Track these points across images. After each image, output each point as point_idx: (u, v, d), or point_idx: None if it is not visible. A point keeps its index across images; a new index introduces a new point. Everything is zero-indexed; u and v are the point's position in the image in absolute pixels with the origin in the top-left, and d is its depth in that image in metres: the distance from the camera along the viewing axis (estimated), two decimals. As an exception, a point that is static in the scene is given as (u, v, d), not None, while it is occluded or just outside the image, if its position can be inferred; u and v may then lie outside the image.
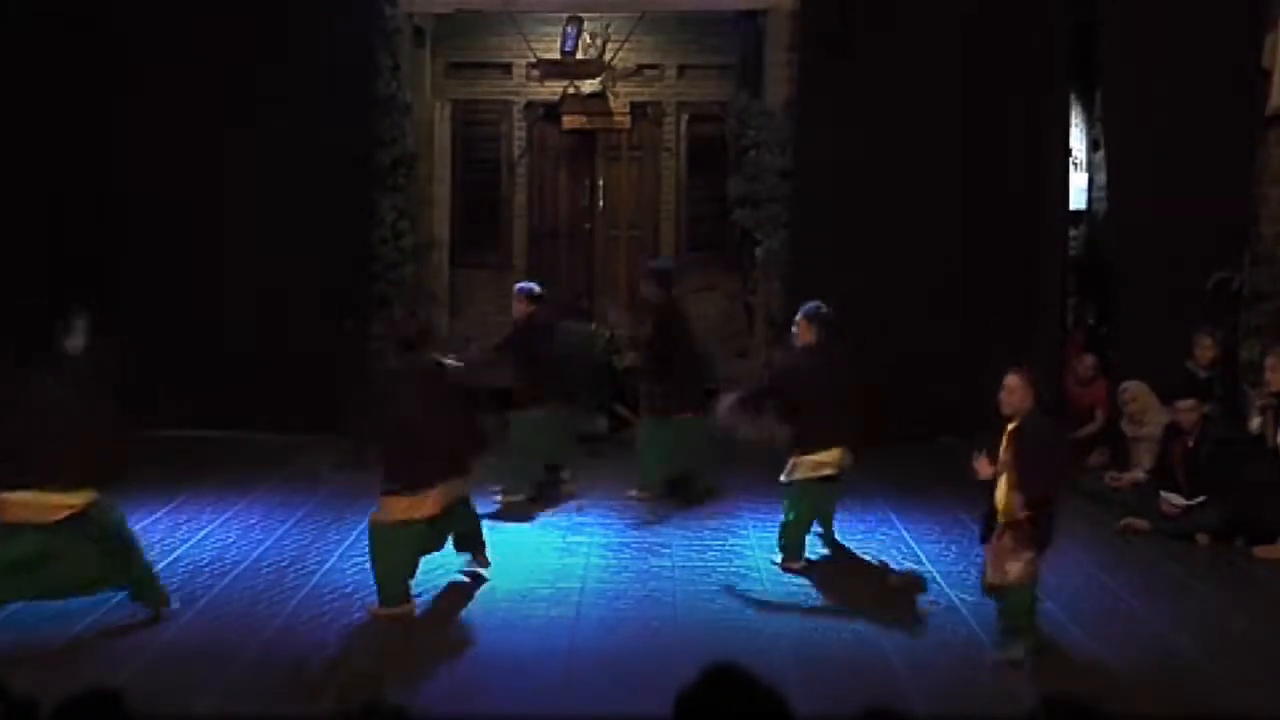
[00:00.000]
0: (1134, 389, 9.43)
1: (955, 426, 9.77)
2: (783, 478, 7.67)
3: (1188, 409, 8.51)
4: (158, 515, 8.59)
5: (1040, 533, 6.05)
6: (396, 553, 6.74)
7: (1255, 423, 8.45)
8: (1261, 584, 7.56)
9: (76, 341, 6.51)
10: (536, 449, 9.21)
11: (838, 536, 8.08)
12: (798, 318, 7.85)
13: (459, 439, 6.98)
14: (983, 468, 6.17)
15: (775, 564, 7.55)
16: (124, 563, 6.54)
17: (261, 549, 7.87)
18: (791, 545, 7.61)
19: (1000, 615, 6.16)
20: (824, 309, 7.76)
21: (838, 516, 8.05)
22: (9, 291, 10.64)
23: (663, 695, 3.04)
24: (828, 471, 7.63)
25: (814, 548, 7.79)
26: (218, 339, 11.20)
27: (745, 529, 8.44)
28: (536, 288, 9.50)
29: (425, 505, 6.78)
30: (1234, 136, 10.20)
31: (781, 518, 7.70)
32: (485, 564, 7.35)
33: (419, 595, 6.96)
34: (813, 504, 7.70)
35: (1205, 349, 9.30)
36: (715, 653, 6.23)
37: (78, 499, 6.29)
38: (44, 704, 3.16)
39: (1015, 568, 6.01)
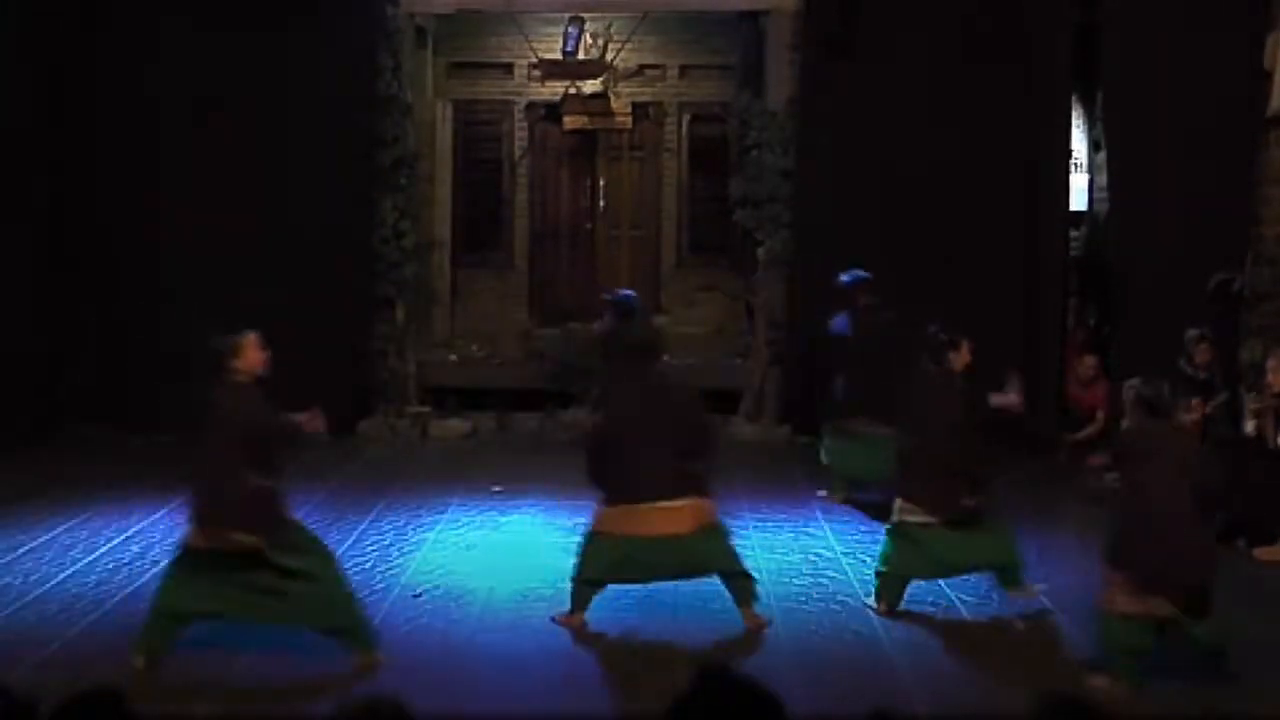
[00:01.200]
0: None
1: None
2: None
3: (1188, 407, 8.50)
4: (158, 515, 8.59)
5: None
6: (587, 559, 6.56)
7: (1250, 425, 8.44)
8: (1262, 585, 7.55)
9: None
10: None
11: (834, 540, 8.11)
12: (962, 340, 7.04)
13: (680, 455, 6.53)
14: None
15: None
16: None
17: (262, 549, 7.86)
18: (880, 589, 7.00)
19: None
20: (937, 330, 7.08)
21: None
22: (9, 294, 10.65)
23: (663, 695, 3.04)
24: (911, 517, 6.86)
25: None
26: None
27: (746, 530, 8.42)
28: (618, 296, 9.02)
29: (630, 521, 6.47)
30: (1235, 137, 10.20)
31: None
32: (755, 625, 6.56)
33: (419, 595, 6.96)
34: (895, 555, 6.92)
35: (1202, 351, 9.31)
36: (715, 653, 6.24)
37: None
38: (44, 704, 3.16)
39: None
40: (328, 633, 5.98)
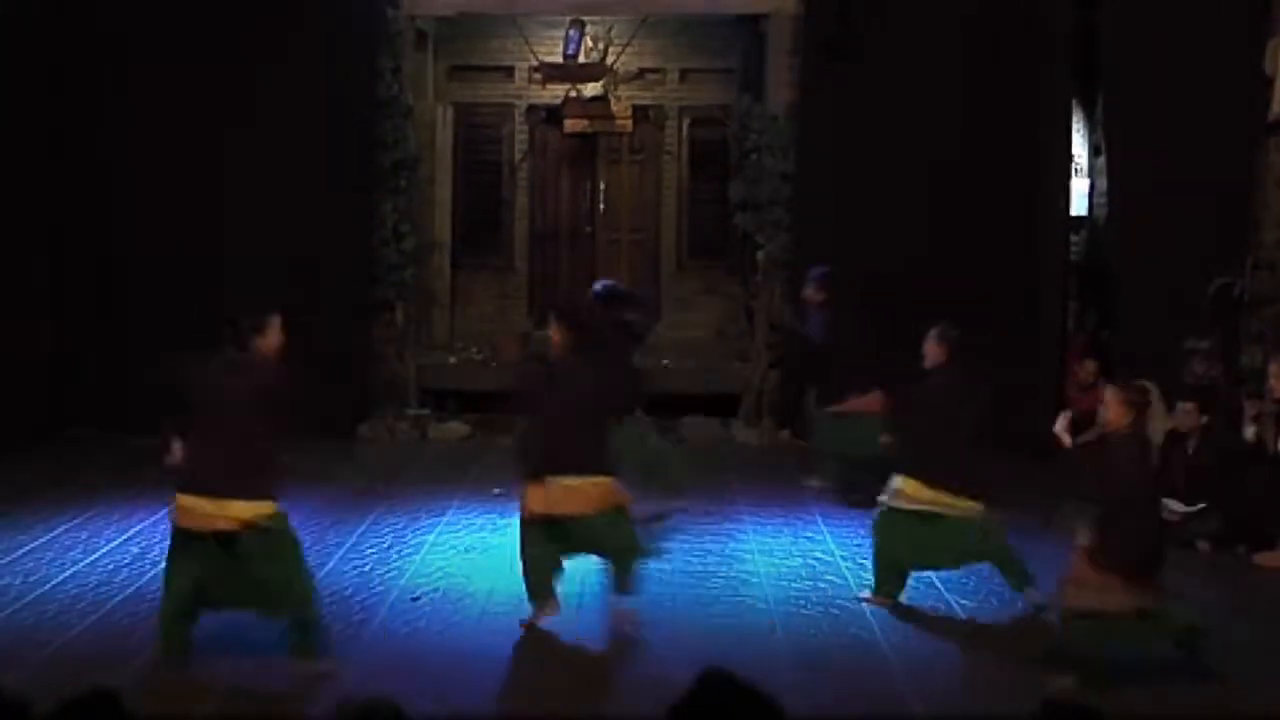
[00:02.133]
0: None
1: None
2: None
3: (1186, 412, 8.51)
4: (158, 516, 8.59)
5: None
6: (532, 549, 6.52)
7: (1250, 431, 8.44)
8: (1262, 591, 7.55)
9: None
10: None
11: (833, 543, 8.13)
12: (931, 335, 7.18)
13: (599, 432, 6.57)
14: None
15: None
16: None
17: (261, 550, 7.85)
18: (875, 579, 7.09)
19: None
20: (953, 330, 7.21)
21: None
22: (10, 295, 10.65)
23: (661, 698, 3.04)
24: (900, 503, 6.92)
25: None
26: (218, 341, 11.17)
27: (745, 533, 8.43)
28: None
29: (558, 499, 6.41)
30: (1235, 142, 10.20)
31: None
32: (625, 590, 6.62)
33: (417, 597, 6.95)
34: (882, 537, 7.02)
35: (1198, 362, 9.30)
36: (714, 657, 6.24)
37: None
38: (43, 704, 3.16)
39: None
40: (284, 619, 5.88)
